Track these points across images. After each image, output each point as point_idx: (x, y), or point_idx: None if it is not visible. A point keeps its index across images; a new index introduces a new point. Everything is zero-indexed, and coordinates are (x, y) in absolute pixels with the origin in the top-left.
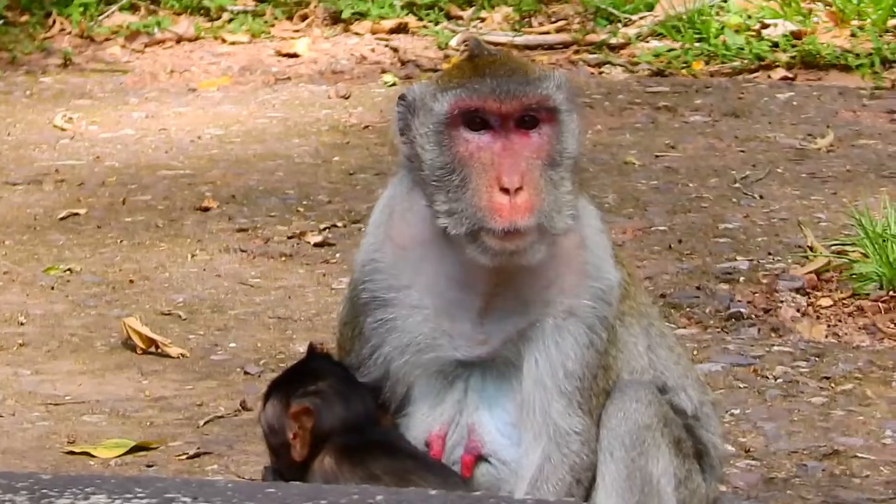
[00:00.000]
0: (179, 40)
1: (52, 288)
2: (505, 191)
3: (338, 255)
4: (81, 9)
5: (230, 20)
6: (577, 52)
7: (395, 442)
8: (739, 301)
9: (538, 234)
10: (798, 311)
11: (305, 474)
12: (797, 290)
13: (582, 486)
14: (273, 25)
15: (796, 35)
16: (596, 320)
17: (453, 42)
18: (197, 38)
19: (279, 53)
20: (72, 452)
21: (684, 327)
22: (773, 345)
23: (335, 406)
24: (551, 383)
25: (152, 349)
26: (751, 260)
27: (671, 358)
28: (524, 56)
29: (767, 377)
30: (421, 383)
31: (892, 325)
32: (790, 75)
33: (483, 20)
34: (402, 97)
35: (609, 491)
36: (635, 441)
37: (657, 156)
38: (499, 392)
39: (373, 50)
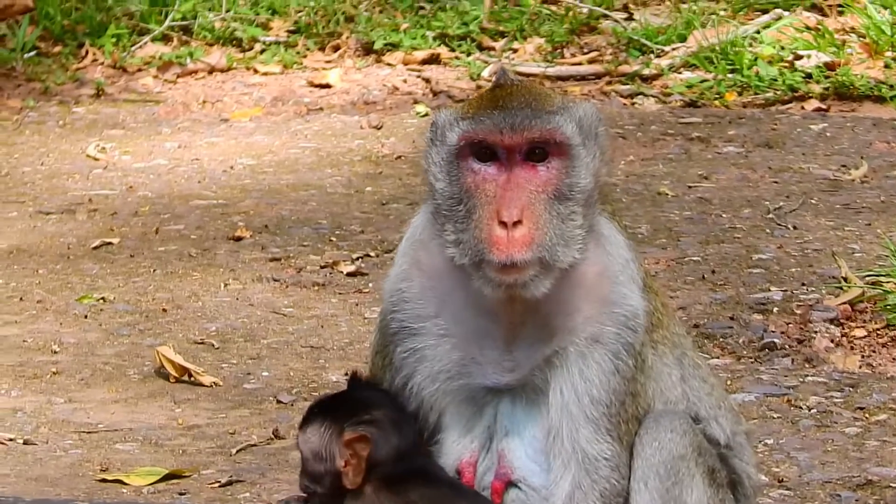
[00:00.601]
0: (212, 71)
1: (86, 317)
2: (504, 224)
3: (370, 284)
4: (114, 39)
5: (262, 51)
6: (609, 83)
7: (432, 470)
8: (773, 331)
9: (539, 268)
10: (832, 341)
11: (340, 502)
12: (831, 321)
13: None
14: (305, 56)
15: (830, 66)
16: (620, 347)
17: (485, 73)
18: (229, 69)
19: (311, 84)
20: (104, 480)
21: (718, 357)
22: (807, 375)
23: (390, 435)
24: (577, 410)
25: (185, 378)
26: (784, 290)
27: (704, 388)
28: (556, 87)
29: (801, 407)
30: (451, 411)
31: None
32: (823, 106)
33: (515, 51)
34: (433, 122)
35: None
36: (670, 471)
37: (690, 186)
38: (528, 418)
39: (405, 81)
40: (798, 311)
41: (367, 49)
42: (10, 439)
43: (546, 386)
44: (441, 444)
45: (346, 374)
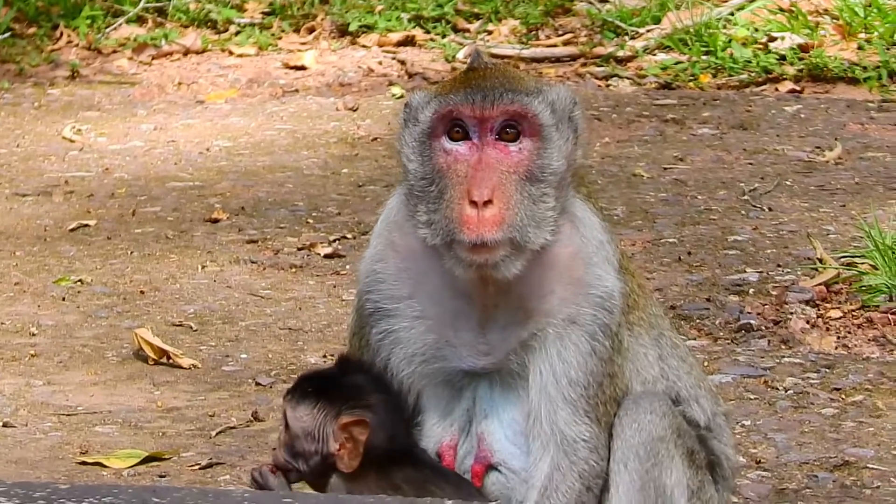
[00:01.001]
0: (187, 52)
1: (63, 299)
2: (474, 203)
3: (347, 266)
4: (89, 21)
5: (237, 33)
6: (584, 64)
7: (415, 452)
8: (749, 313)
9: (510, 249)
10: (808, 322)
11: (323, 481)
12: (807, 302)
13: (592, 494)
14: (280, 38)
15: (803, 48)
16: (597, 328)
17: (460, 55)
18: (204, 51)
19: (286, 66)
20: (84, 463)
21: (694, 339)
22: (784, 356)
23: (385, 419)
24: (555, 392)
25: (164, 360)
26: (760, 272)
27: (683, 368)
28: (531, 69)
29: (778, 388)
30: (429, 393)
31: None
32: (798, 88)
33: (490, 33)
34: (406, 104)
35: (622, 502)
36: (649, 452)
37: (665, 168)
38: (506, 402)
39: (380, 62)
40: (774, 293)
41: (342, 31)
42: None
43: (522, 369)
44: (421, 427)
45: (325, 357)
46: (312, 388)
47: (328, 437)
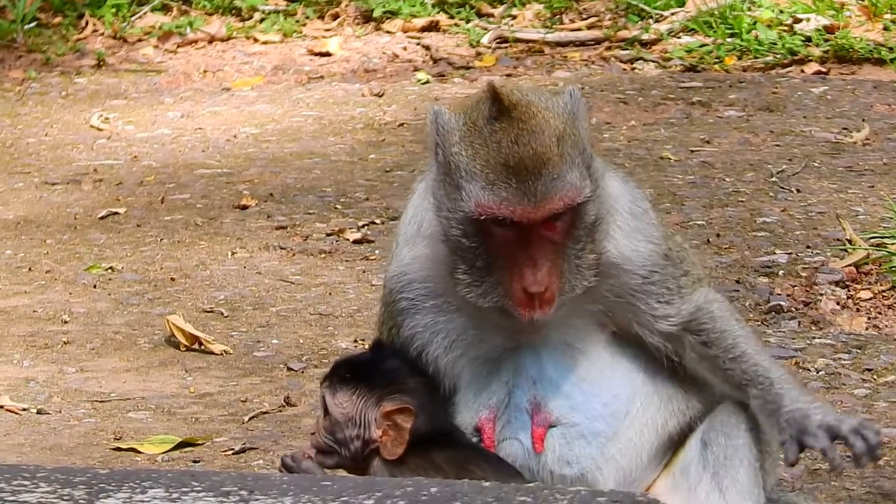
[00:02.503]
0: (212, 40)
1: (95, 286)
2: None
3: (377, 251)
4: (114, 10)
5: (262, 20)
6: (608, 48)
7: (454, 432)
8: (779, 294)
9: (560, 301)
10: (838, 303)
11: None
12: (837, 283)
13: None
14: (304, 24)
15: (829, 29)
16: (653, 284)
17: (485, 39)
18: (229, 38)
19: (311, 52)
20: (119, 449)
21: None
22: (814, 337)
23: (427, 404)
24: (646, 318)
25: (195, 346)
26: (789, 253)
27: None
28: (556, 53)
29: (809, 370)
30: (466, 372)
31: None
32: (823, 69)
33: (514, 17)
34: (435, 115)
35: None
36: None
37: (692, 151)
38: (556, 360)
39: (405, 48)
40: (803, 274)
41: (367, 17)
42: (24, 409)
43: (571, 336)
44: (456, 405)
45: (356, 342)
46: (350, 373)
47: (370, 423)
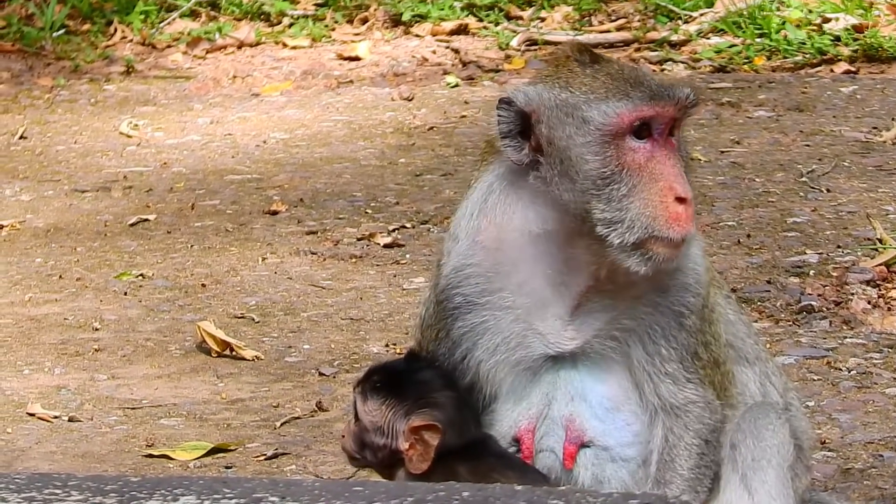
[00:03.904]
0: (241, 46)
1: (125, 293)
2: (680, 200)
3: (407, 255)
4: (142, 16)
5: (290, 25)
6: (637, 49)
7: (480, 442)
8: (810, 294)
9: None
10: (869, 303)
11: (393, 472)
12: (868, 283)
13: (713, 447)
14: (333, 29)
15: (858, 28)
16: (685, 308)
17: (514, 42)
18: (258, 44)
19: (340, 57)
20: (151, 455)
21: (756, 321)
22: (846, 337)
23: (455, 420)
24: (652, 369)
25: (227, 352)
26: (820, 253)
27: (748, 343)
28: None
29: (841, 369)
30: (507, 380)
31: None
32: (853, 69)
33: (543, 20)
34: (507, 101)
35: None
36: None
37: (723, 151)
38: (594, 381)
39: (434, 52)
40: (834, 274)
41: (396, 21)
42: (55, 417)
43: (611, 351)
44: (495, 413)
45: (387, 346)
46: (382, 382)
47: (398, 434)
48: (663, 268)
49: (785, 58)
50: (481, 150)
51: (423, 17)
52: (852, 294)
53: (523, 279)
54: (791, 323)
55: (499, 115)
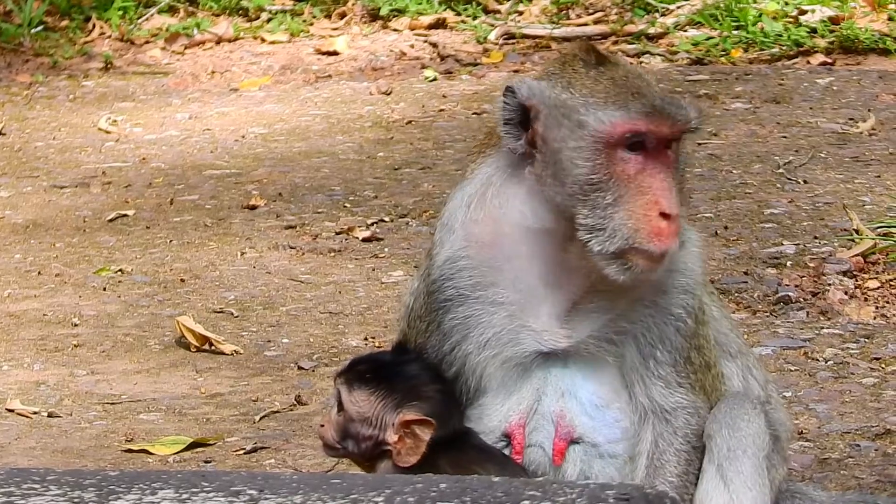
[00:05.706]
0: (219, 41)
1: (104, 289)
2: (664, 215)
3: (386, 249)
4: (121, 12)
5: (269, 20)
6: (615, 42)
7: (462, 435)
8: (787, 285)
9: None
10: (846, 293)
11: (374, 464)
12: (844, 273)
13: (699, 451)
14: (312, 24)
15: (834, 20)
16: (682, 310)
17: (492, 36)
18: (236, 39)
19: (319, 52)
20: (130, 450)
21: (734, 312)
22: (823, 327)
23: (444, 411)
24: (645, 371)
25: (206, 347)
26: (797, 244)
27: (731, 336)
28: (562, 49)
29: (818, 359)
30: (496, 375)
31: None
32: (829, 60)
33: (521, 13)
34: (511, 90)
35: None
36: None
37: (700, 143)
38: (585, 379)
39: (412, 46)
40: (811, 265)
41: (373, 15)
42: (35, 412)
43: (604, 351)
44: (483, 408)
45: (366, 339)
46: (371, 372)
47: (386, 426)
48: (643, 279)
49: (762, 50)
50: (479, 140)
51: (401, 12)
52: (829, 285)
53: (518, 275)
54: (768, 314)
55: (503, 102)
